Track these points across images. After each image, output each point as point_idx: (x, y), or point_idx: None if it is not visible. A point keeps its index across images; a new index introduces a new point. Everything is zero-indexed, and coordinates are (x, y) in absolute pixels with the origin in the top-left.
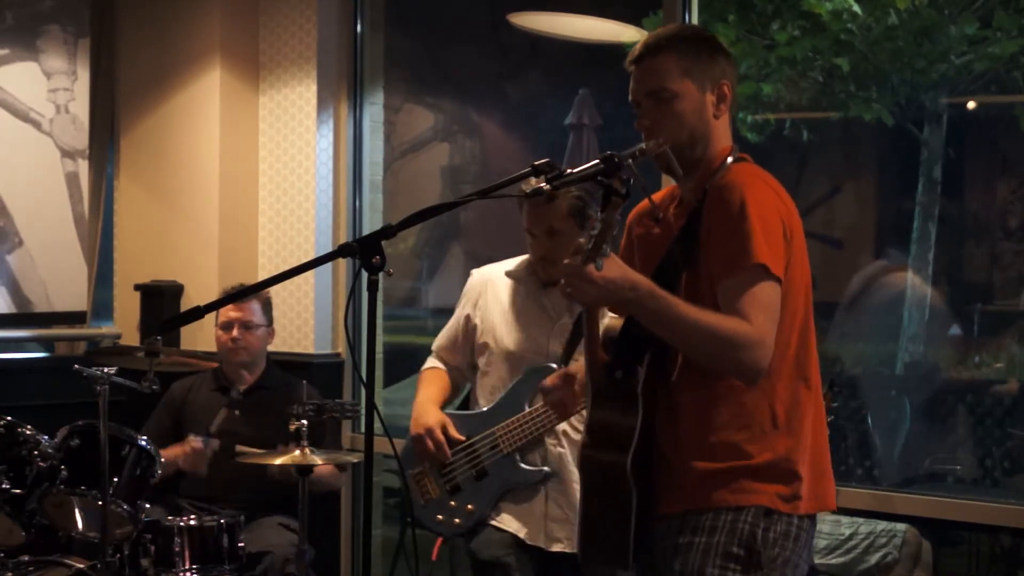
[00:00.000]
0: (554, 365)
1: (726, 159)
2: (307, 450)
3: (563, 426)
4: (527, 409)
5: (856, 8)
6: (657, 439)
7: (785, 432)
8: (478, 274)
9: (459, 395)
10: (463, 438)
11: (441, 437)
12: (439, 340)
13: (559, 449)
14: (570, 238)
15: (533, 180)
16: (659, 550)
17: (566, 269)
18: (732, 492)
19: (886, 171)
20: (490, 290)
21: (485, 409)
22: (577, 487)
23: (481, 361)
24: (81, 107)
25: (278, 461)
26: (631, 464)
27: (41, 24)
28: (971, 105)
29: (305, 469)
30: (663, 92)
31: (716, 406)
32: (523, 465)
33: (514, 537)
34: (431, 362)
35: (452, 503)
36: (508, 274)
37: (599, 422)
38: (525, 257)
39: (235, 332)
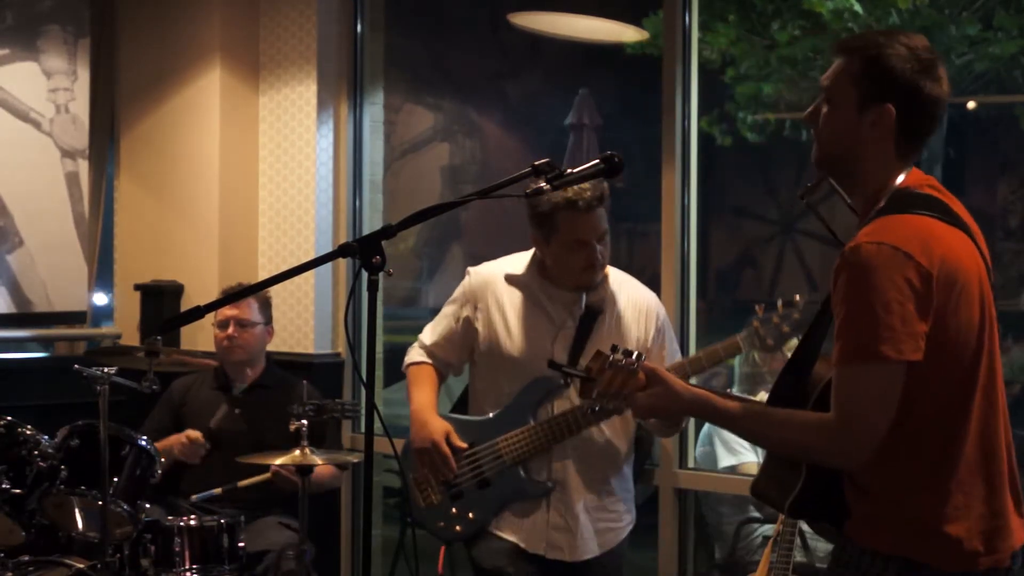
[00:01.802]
0: (560, 381)
1: (883, 196)
2: (307, 450)
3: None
4: (532, 423)
5: (857, 8)
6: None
7: (946, 491)
8: (477, 274)
9: (441, 386)
10: (465, 445)
11: (447, 451)
12: (430, 335)
13: (565, 460)
14: (609, 237)
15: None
16: (837, 562)
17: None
18: (890, 543)
19: None
20: (491, 294)
21: (490, 417)
22: (577, 496)
23: (482, 366)
24: (81, 107)
25: (278, 461)
26: (788, 508)
27: (41, 24)
28: (971, 105)
29: (305, 469)
30: (827, 92)
31: (876, 463)
32: (526, 477)
33: (515, 546)
34: (418, 355)
35: (454, 510)
36: (510, 279)
37: (769, 469)
38: (525, 257)
39: (231, 330)
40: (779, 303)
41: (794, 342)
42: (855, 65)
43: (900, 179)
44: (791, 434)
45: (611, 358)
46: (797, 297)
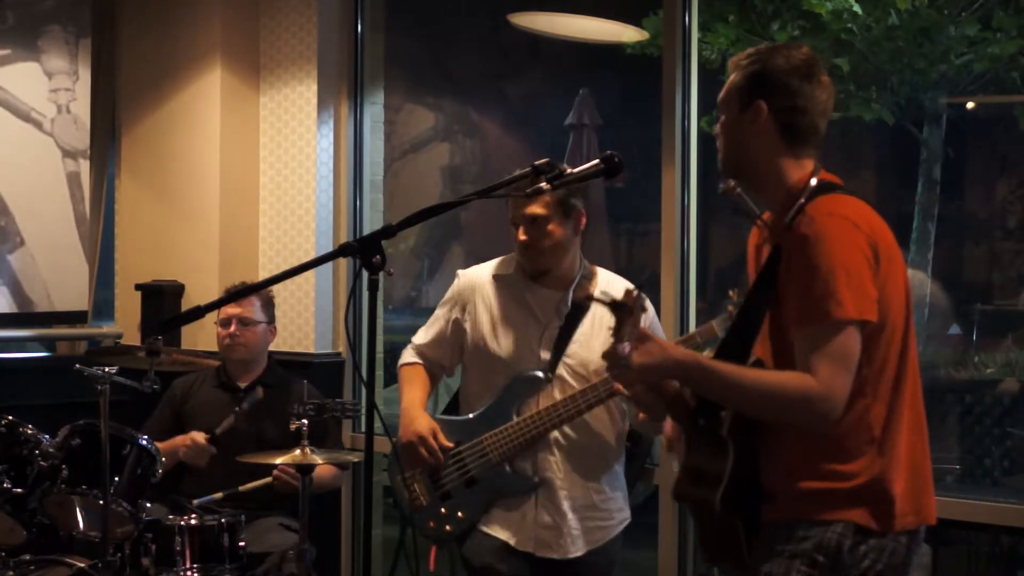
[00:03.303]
0: (540, 374)
1: (804, 190)
2: (308, 450)
3: (554, 434)
4: (515, 419)
5: (856, 8)
6: (764, 458)
7: (880, 451)
8: (465, 276)
9: (435, 387)
10: (451, 445)
11: (434, 444)
12: (422, 336)
13: (551, 457)
14: (552, 226)
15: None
16: (760, 551)
17: (607, 358)
18: (828, 508)
19: (886, 171)
20: (479, 294)
21: (474, 415)
22: (564, 494)
23: (472, 365)
24: (82, 107)
25: (278, 460)
26: (720, 500)
27: (42, 24)
28: (971, 105)
29: (305, 469)
30: (720, 105)
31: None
32: (512, 474)
33: (505, 544)
34: (410, 356)
35: (443, 510)
36: (498, 279)
37: (691, 466)
38: (511, 257)
39: (233, 328)
40: None
41: None
42: (738, 76)
43: (814, 181)
44: (779, 390)
45: (637, 295)
46: None
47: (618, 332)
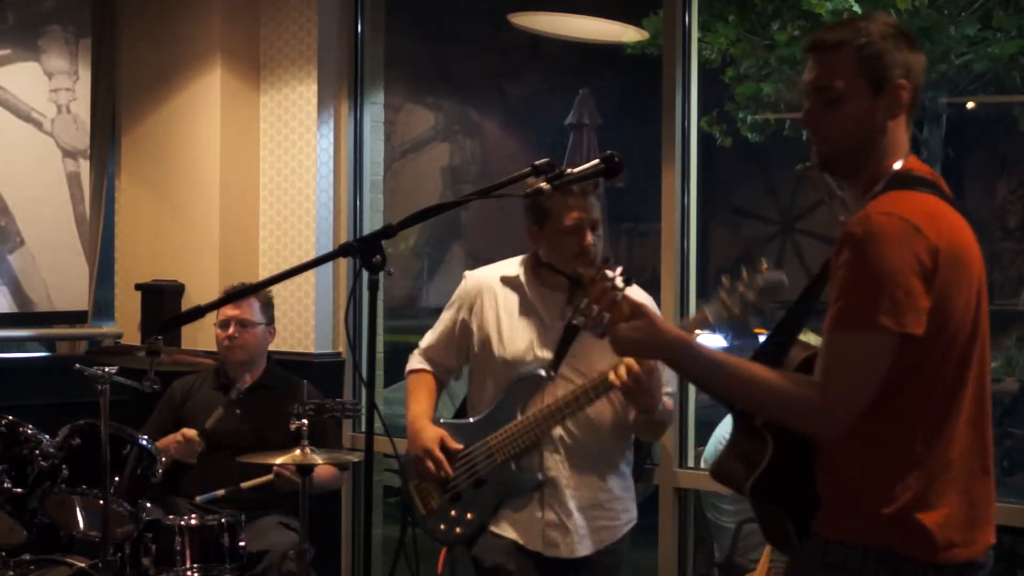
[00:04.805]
0: (543, 372)
1: (884, 177)
2: (308, 450)
3: (559, 432)
4: (519, 417)
5: (856, 8)
6: (815, 457)
7: (923, 473)
8: (472, 277)
9: (442, 392)
10: (460, 447)
11: (441, 456)
12: (428, 340)
13: (555, 456)
14: (602, 227)
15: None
16: (805, 559)
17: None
18: (866, 532)
19: None
20: (486, 296)
21: (480, 418)
22: (570, 493)
23: (477, 368)
24: (82, 107)
25: (278, 461)
26: (750, 488)
27: (42, 24)
28: (971, 105)
29: (306, 469)
30: (829, 92)
31: (854, 445)
32: (518, 473)
33: (514, 543)
34: (418, 362)
35: (453, 512)
36: (504, 281)
37: (734, 445)
38: (518, 260)
39: (232, 330)
40: (743, 271)
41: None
42: (852, 55)
43: (898, 164)
44: (772, 392)
45: (603, 270)
46: (763, 263)
47: (572, 300)
